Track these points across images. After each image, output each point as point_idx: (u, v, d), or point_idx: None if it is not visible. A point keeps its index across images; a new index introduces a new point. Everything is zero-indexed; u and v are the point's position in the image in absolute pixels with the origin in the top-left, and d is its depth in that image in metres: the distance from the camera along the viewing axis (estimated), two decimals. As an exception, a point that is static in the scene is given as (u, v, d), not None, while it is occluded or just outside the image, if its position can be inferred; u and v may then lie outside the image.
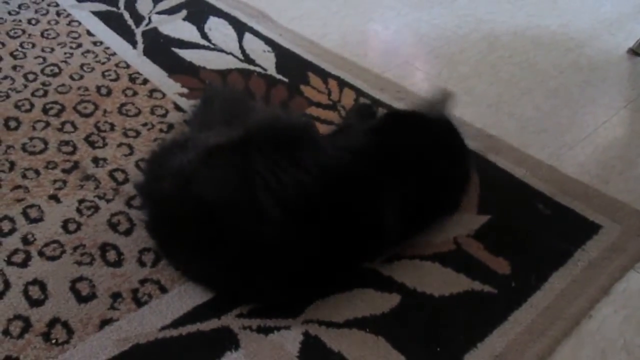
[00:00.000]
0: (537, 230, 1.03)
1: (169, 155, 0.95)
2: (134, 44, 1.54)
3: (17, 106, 1.28)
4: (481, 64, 1.53)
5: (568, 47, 1.63)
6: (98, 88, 1.36)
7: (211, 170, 0.87)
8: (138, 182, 1.02)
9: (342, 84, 1.41)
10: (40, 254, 0.95)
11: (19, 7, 1.69)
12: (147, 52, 1.51)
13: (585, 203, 1.08)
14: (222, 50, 1.53)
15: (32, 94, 1.32)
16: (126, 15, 1.68)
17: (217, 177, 0.86)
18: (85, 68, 1.43)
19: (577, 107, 1.39)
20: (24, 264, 0.94)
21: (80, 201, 1.05)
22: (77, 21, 1.64)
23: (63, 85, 1.36)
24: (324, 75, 1.44)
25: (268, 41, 1.58)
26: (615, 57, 1.59)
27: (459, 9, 1.81)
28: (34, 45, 1.51)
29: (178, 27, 1.63)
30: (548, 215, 1.06)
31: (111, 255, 0.95)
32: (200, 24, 1.64)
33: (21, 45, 1.51)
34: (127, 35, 1.58)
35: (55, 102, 1.30)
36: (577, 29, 1.72)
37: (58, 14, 1.67)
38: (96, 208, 1.04)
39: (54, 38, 1.55)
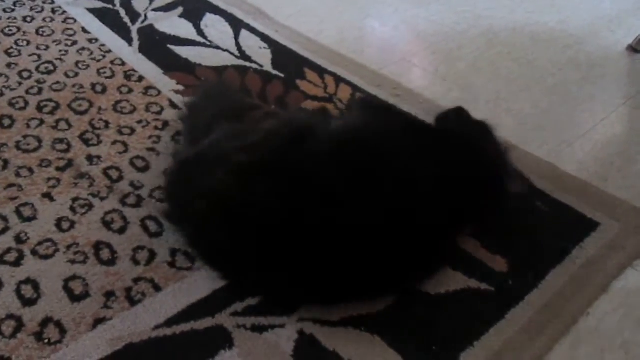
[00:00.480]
0: (535, 228, 1.02)
1: (190, 174, 0.93)
2: (129, 41, 1.53)
3: (11, 104, 1.27)
4: (479, 61, 1.52)
5: (567, 43, 1.62)
6: (93, 85, 1.35)
7: (250, 193, 0.85)
8: (165, 210, 0.99)
9: (339, 80, 1.40)
10: (34, 252, 0.94)
11: (14, 4, 1.68)
12: (142, 50, 1.50)
13: (583, 200, 1.07)
14: (218, 47, 1.52)
15: (27, 92, 1.31)
16: (122, 13, 1.67)
17: (259, 201, 0.84)
18: (80, 65, 1.42)
19: (575, 104, 1.38)
20: (16, 263, 0.93)
21: (74, 199, 1.04)
22: (72, 18, 1.63)
23: (58, 82, 1.35)
24: (321, 71, 1.43)
25: (264, 38, 1.57)
26: (615, 54, 1.58)
27: (457, 5, 1.79)
28: (28, 43, 1.50)
29: (174, 24, 1.62)
30: (546, 212, 1.05)
31: (105, 254, 0.95)
32: (196, 21, 1.63)
33: (16, 42, 1.50)
34: (123, 32, 1.57)
35: (50, 100, 1.29)
36: (576, 26, 1.71)
37: (53, 11, 1.66)
38: (90, 206, 1.03)
39: (49, 35, 1.54)
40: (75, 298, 0.88)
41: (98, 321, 0.85)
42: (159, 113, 1.26)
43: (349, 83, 1.39)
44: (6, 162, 1.11)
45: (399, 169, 0.90)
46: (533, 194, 1.08)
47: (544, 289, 0.91)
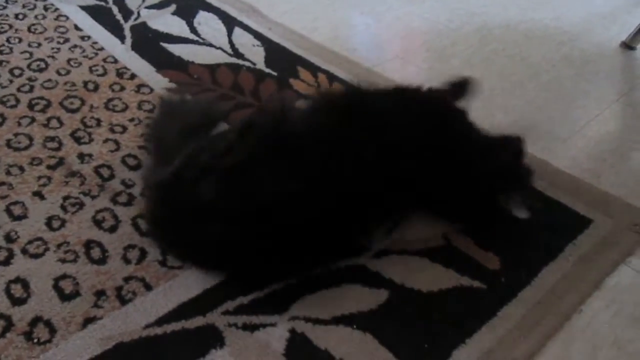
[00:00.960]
0: (528, 225, 1.01)
1: (171, 196, 0.90)
2: (122, 38, 1.52)
3: (2, 102, 1.26)
4: (473, 58, 1.52)
5: (561, 40, 1.62)
6: (85, 83, 1.34)
7: (249, 194, 0.84)
8: (150, 233, 0.97)
9: (332, 78, 1.39)
10: (24, 251, 0.94)
11: (6, 1, 1.67)
12: (135, 47, 1.49)
13: (576, 197, 1.07)
14: (211, 45, 1.51)
15: (18, 90, 1.30)
16: (115, 10, 1.66)
17: (262, 199, 0.84)
18: (72, 63, 1.41)
19: (569, 100, 1.38)
20: (6, 262, 0.92)
21: (65, 198, 1.04)
22: (64, 16, 1.62)
23: (49, 80, 1.34)
24: (314, 69, 1.42)
25: (257, 35, 1.56)
26: (608, 50, 1.58)
27: (451, 2, 1.79)
28: (20, 40, 1.49)
29: (167, 22, 1.61)
30: (539, 209, 1.04)
31: (95, 253, 0.94)
32: (189, 19, 1.63)
33: (7, 40, 1.49)
34: (116, 30, 1.56)
35: (42, 98, 1.28)
36: (570, 22, 1.70)
37: (45, 8, 1.65)
38: (81, 205, 1.02)
39: (41, 33, 1.53)
40: (65, 297, 0.87)
41: (88, 320, 0.84)
42: (151, 111, 1.26)
43: (342, 81, 1.38)
44: (-4, 161, 1.11)
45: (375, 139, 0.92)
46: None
47: (537, 286, 0.91)
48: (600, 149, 1.22)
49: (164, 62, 1.43)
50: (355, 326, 0.84)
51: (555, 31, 1.66)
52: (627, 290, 0.92)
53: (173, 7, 1.69)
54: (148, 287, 0.89)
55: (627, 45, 1.59)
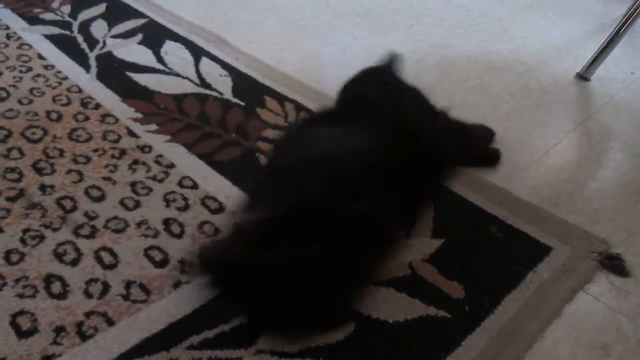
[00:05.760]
0: (490, 253, 1.04)
1: None
2: (87, 68, 1.51)
3: (-40, 132, 1.24)
4: (435, 88, 1.56)
5: (519, 71, 1.68)
6: (48, 113, 1.32)
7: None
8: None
9: (300, 108, 1.41)
10: (-20, 287, 0.91)
11: (-33, 29, 1.64)
12: (100, 77, 1.48)
13: (536, 225, 1.10)
14: (178, 75, 1.51)
15: (-22, 120, 1.28)
16: (80, 39, 1.65)
17: None
18: (35, 92, 1.39)
19: (528, 130, 1.42)
20: (-39, 299, 0.89)
21: (25, 230, 1.01)
22: (28, 44, 1.60)
23: (11, 110, 1.32)
24: (281, 98, 1.44)
25: (225, 65, 1.57)
26: (564, 81, 1.65)
27: (414, 34, 1.84)
28: (-19, 69, 1.47)
29: (133, 51, 1.61)
30: (501, 238, 1.07)
31: (56, 287, 0.92)
32: (156, 48, 1.63)
33: (-33, 68, 1.46)
34: (80, 59, 1.55)
35: (2, 128, 1.26)
36: (528, 54, 1.77)
37: (8, 37, 1.63)
38: (41, 238, 1.00)
39: (2, 62, 1.51)
40: (22, 334, 0.84)
41: (46, 358, 0.81)
42: (116, 141, 1.25)
43: (309, 111, 1.40)
44: (-47, 193, 1.08)
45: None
46: (488, 220, 1.11)
47: (500, 314, 0.92)
48: (558, 178, 1.26)
49: (130, 92, 1.42)
50: (322, 359, 0.84)
51: (514, 62, 1.72)
52: (586, 317, 0.95)
53: (139, 36, 1.69)
54: (110, 322, 0.87)
55: (582, 77, 1.66)
